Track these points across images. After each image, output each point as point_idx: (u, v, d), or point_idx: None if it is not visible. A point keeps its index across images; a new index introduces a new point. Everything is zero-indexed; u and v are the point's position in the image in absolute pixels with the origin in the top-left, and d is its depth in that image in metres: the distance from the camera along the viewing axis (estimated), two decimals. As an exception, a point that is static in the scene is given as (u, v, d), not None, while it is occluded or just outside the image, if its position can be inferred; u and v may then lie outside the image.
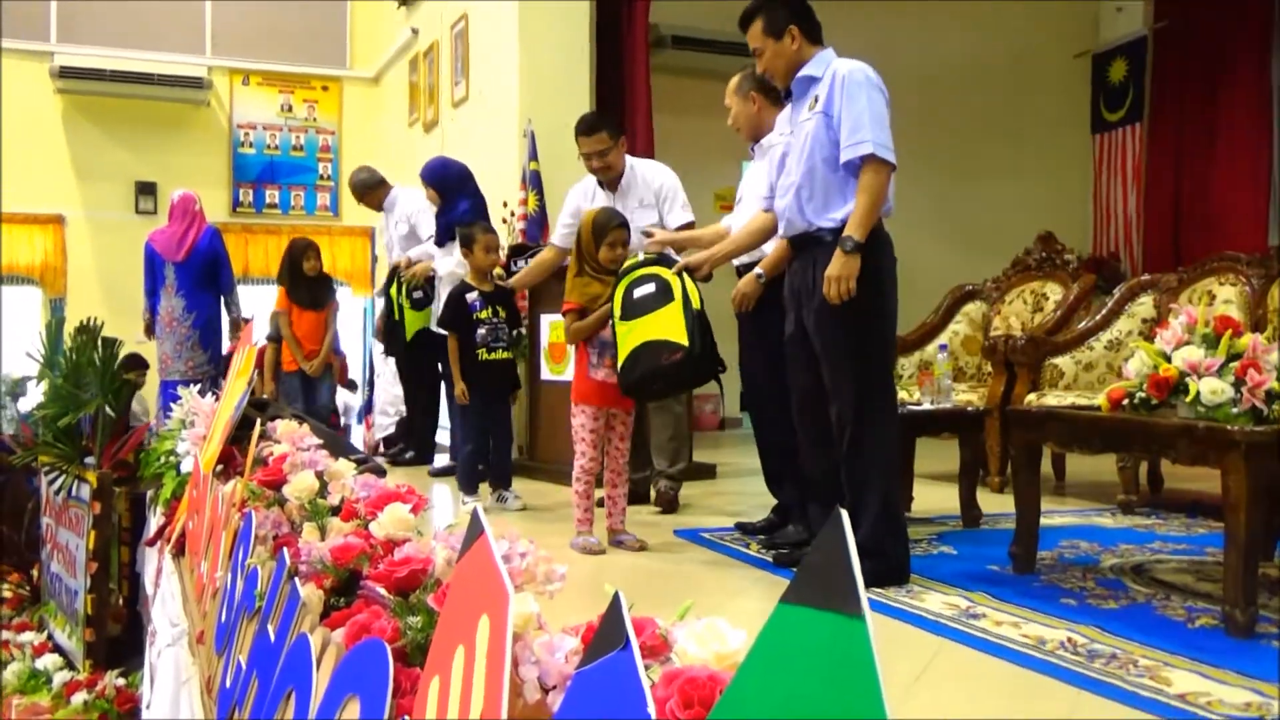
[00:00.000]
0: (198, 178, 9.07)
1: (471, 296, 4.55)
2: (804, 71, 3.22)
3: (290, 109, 10.17)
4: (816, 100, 3.14)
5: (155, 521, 4.11)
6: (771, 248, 3.77)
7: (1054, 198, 9.29)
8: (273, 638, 1.60)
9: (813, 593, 0.60)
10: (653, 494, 4.56)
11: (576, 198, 4.79)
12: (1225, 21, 8.31)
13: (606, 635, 0.79)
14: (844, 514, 0.60)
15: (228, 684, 1.84)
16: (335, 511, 2.08)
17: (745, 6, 3.31)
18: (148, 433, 4.85)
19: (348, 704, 1.21)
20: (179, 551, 3.32)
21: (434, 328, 5.69)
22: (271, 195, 10.12)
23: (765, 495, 4.14)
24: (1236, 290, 4.63)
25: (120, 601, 4.64)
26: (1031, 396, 4.78)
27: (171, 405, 4.74)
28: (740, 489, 4.98)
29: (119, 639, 4.58)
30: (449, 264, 5.60)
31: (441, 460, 5.90)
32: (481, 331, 4.51)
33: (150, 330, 6.66)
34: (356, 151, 10.27)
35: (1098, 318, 5.04)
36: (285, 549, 1.75)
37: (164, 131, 9.65)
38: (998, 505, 4.39)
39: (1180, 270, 5.06)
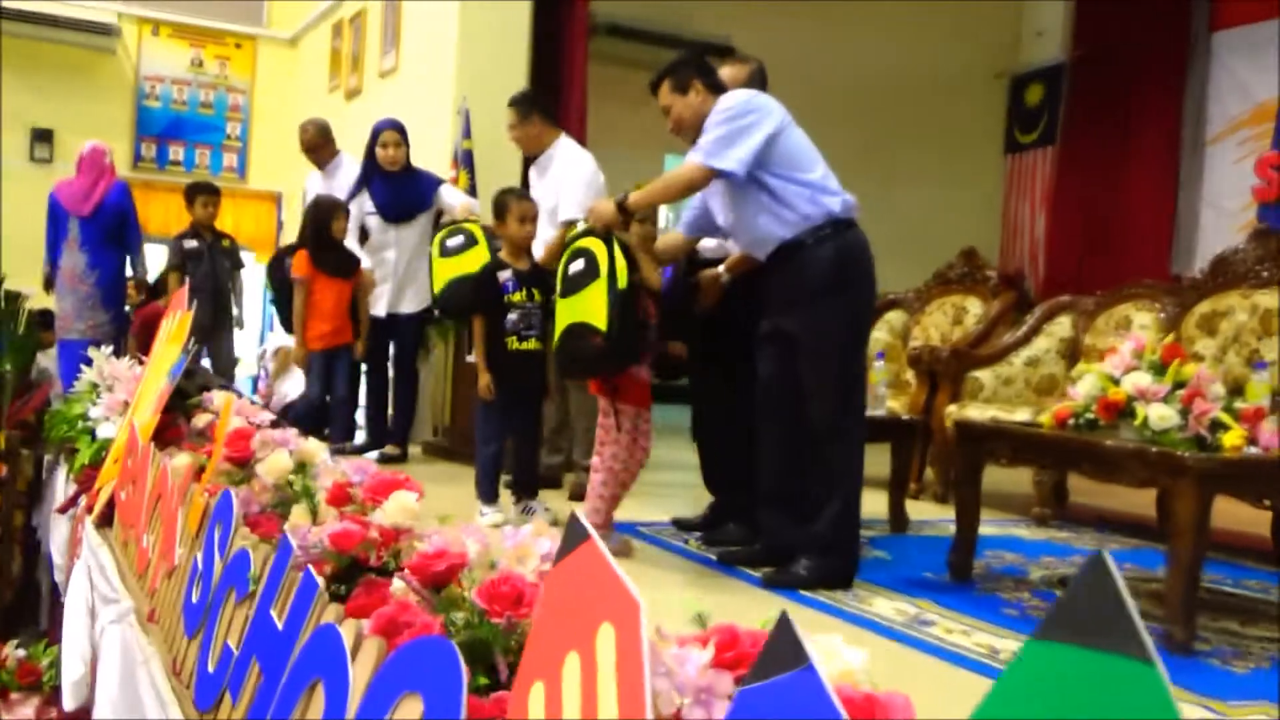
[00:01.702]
0: (99, 128, 8.67)
1: (505, 275, 3.94)
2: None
3: (201, 64, 9.81)
4: None
5: (67, 488, 3.92)
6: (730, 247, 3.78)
7: (968, 212, 9.50)
8: (280, 625, 1.55)
9: (1083, 631, 0.59)
10: (568, 485, 4.47)
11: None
12: (1141, 54, 8.60)
13: (777, 653, 0.78)
14: (1107, 555, 0.61)
15: (210, 669, 1.76)
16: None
17: (652, 76, 3.50)
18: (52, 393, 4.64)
19: (404, 701, 1.17)
20: (103, 522, 3.18)
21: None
22: (176, 152, 9.75)
23: (699, 488, 4.13)
24: (1152, 316, 4.82)
25: (16, 568, 4.44)
26: (952, 407, 4.90)
27: (81, 367, 4.53)
28: (672, 479, 4.99)
29: (12, 606, 4.39)
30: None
31: (359, 439, 5.77)
32: (513, 317, 3.92)
33: (49, 285, 6.37)
34: (268, 113, 9.97)
35: (1019, 334, 5.20)
36: (289, 534, 1.68)
37: (66, 77, 9.19)
38: (916, 512, 4.51)
39: (1098, 294, 5.24)
